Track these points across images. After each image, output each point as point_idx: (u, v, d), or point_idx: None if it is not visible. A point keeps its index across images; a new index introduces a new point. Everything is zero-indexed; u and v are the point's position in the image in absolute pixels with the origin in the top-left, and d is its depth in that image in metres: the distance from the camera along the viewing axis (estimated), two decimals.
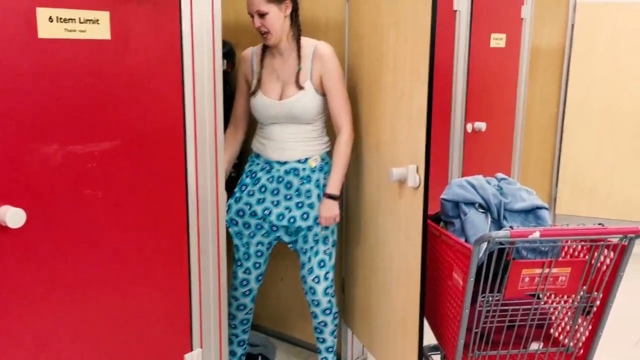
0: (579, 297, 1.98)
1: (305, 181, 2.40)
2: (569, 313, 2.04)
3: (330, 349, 2.61)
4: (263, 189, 2.45)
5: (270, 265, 2.92)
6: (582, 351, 2.04)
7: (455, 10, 3.25)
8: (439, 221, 2.23)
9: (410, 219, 2.09)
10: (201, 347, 2.00)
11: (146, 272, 1.79)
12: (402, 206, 2.16)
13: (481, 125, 3.58)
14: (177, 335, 1.92)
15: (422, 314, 2.06)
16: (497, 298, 1.92)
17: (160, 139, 1.76)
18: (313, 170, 2.41)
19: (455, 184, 2.17)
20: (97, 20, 1.55)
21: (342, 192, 2.66)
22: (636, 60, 4.46)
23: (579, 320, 2.02)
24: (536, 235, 1.78)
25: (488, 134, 3.65)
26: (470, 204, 2.11)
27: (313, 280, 2.46)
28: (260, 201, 2.45)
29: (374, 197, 2.40)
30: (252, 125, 2.55)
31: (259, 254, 2.53)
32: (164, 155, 1.78)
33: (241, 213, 2.47)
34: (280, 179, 2.42)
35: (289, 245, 2.51)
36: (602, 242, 1.88)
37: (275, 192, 2.44)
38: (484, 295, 1.91)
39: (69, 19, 1.49)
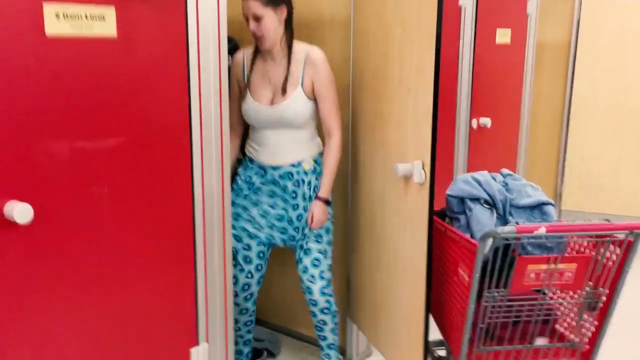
0: (584, 292, 1.98)
1: (299, 184, 2.41)
2: (575, 309, 2.04)
3: (331, 346, 2.62)
4: (258, 192, 2.46)
5: (273, 258, 2.93)
6: (587, 347, 2.05)
7: (461, 6, 3.24)
8: (444, 217, 2.23)
9: (416, 215, 2.09)
10: (207, 342, 2.01)
11: (153, 268, 1.80)
12: (407, 202, 2.16)
13: (486, 121, 3.57)
14: (183, 329, 1.93)
15: (428, 309, 2.07)
16: (502, 294, 1.92)
17: (166, 136, 1.77)
18: (306, 173, 2.41)
19: (460, 180, 2.17)
20: (103, 16, 1.56)
21: (347, 188, 2.66)
22: None
23: (585, 316, 2.02)
24: (542, 231, 1.78)
25: (493, 130, 3.64)
26: (476, 199, 2.10)
27: (308, 279, 2.47)
28: (255, 204, 2.47)
29: (380, 193, 2.40)
30: (247, 130, 2.53)
31: (261, 254, 2.54)
32: (170, 151, 1.79)
33: (237, 216, 2.48)
34: (275, 183, 2.44)
35: (284, 245, 2.53)
36: (608, 238, 1.87)
37: (270, 194, 2.46)
38: (489, 290, 1.92)
39: (75, 16, 1.50)
